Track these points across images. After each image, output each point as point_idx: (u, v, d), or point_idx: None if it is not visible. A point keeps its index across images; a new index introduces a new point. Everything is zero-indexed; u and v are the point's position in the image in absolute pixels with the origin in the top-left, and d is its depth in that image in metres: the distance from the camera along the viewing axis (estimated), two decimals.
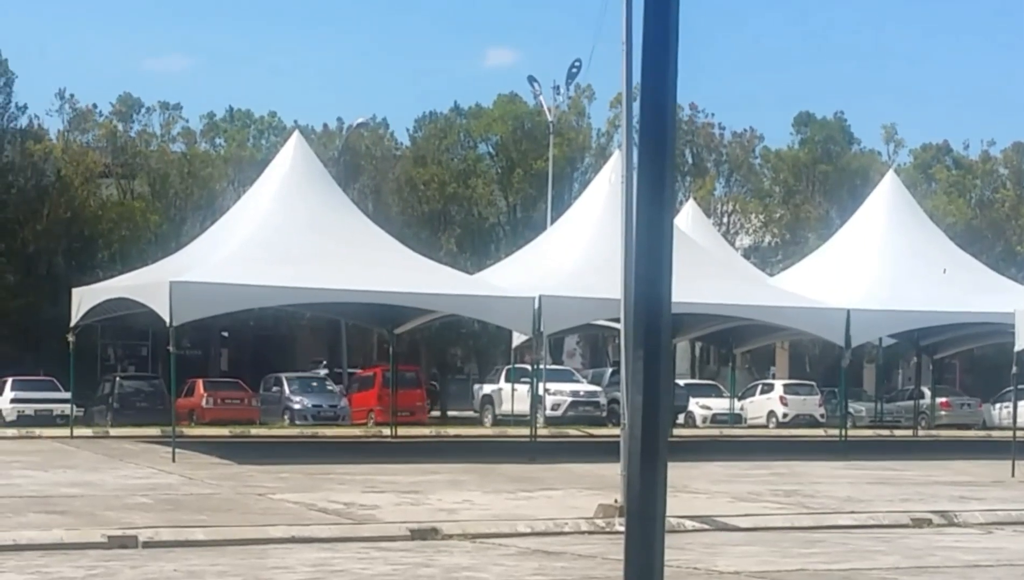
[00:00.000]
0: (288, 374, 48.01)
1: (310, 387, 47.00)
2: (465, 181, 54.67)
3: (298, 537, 16.63)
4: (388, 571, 14.35)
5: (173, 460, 27.76)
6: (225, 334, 54.97)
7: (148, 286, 31.04)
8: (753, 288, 36.19)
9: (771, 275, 43.27)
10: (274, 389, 46.59)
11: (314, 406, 45.31)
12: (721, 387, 51.44)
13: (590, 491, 21.74)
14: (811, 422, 49.03)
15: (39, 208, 49.41)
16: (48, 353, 44.13)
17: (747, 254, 53.44)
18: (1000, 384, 47.11)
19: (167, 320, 28.34)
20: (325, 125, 56.70)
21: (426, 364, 54.46)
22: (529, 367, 36.37)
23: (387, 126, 57.77)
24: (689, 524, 18.21)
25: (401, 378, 41.61)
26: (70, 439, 35.53)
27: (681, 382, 49.32)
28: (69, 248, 50.29)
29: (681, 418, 47.87)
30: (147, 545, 15.73)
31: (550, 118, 52.30)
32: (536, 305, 30.76)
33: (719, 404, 50.01)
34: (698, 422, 49.08)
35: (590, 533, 17.80)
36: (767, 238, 59.85)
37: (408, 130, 57.81)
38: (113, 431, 38.61)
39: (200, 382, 44.73)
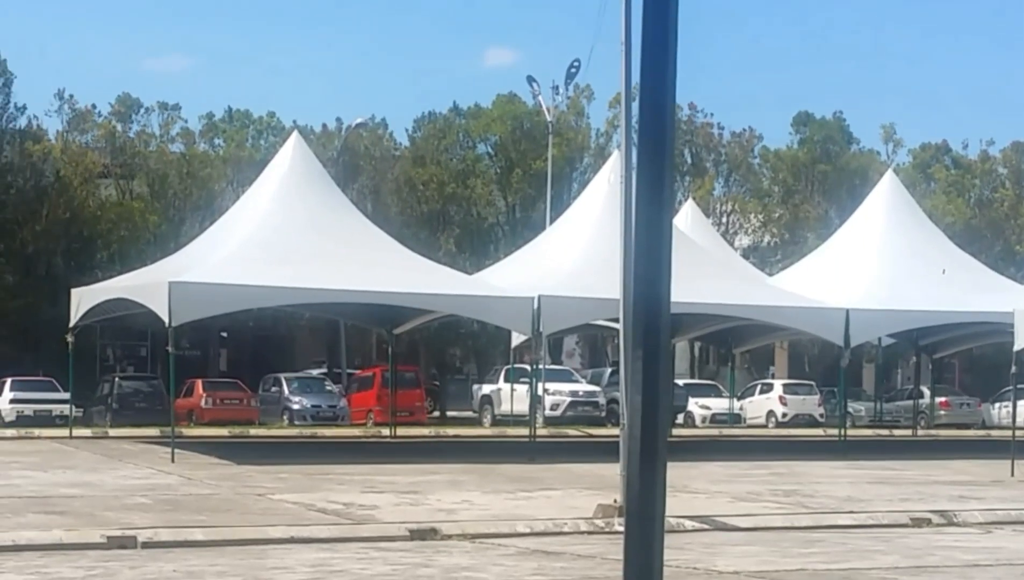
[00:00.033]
0: (287, 374, 48.04)
1: (309, 387, 47.02)
2: (464, 181, 54.68)
3: (297, 537, 16.63)
4: (387, 571, 14.35)
5: (172, 460, 27.76)
6: (224, 334, 54.97)
7: (147, 286, 31.03)
8: (752, 288, 36.20)
9: (770, 275, 43.28)
10: (273, 389, 46.60)
11: (313, 406, 45.31)
12: (720, 387, 51.45)
13: (589, 491, 21.74)
14: (810, 422, 49.04)
15: (38, 208, 49.42)
16: (47, 353, 44.14)
17: (746, 254, 53.44)
18: (999, 383, 47.08)
19: (166, 320, 28.34)
20: (324, 125, 56.83)
21: (425, 364, 54.47)
22: (528, 367, 36.35)
23: (386, 126, 57.86)
24: (688, 524, 18.22)
25: (400, 378, 41.61)
26: (69, 439, 35.53)
27: (680, 382, 49.32)
28: (68, 248, 50.31)
29: (680, 418, 47.86)
30: (146, 545, 15.73)
31: (549, 118, 52.30)
32: (535, 305, 30.76)
33: (718, 404, 50.02)
34: (697, 422, 49.09)
35: (589, 533, 17.80)
36: (766, 238, 59.88)
37: (407, 130, 57.93)
38: (112, 431, 38.62)
39: (199, 382, 44.73)
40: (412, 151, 56.50)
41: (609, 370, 48.72)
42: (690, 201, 47.92)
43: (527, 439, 32.72)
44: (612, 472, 20.06)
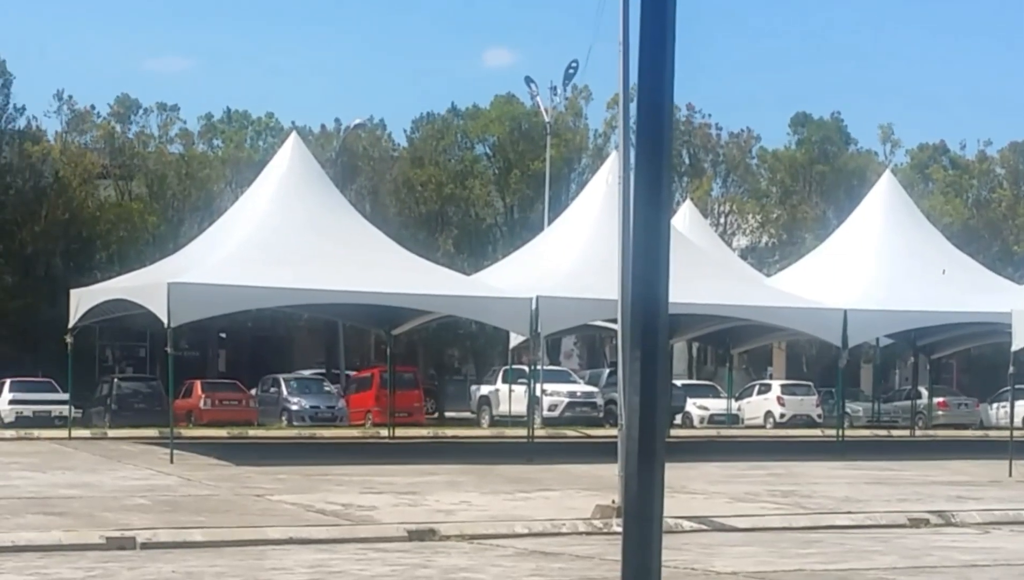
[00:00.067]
0: (286, 375, 48.05)
1: (308, 388, 47.03)
2: (462, 182, 54.69)
3: (296, 538, 16.64)
4: (386, 572, 14.36)
5: (171, 461, 27.76)
6: (223, 335, 54.95)
7: (146, 287, 31.04)
8: (750, 288, 36.22)
9: (768, 275, 43.32)
10: (272, 390, 46.61)
11: (312, 407, 45.33)
12: (718, 387, 51.44)
13: (587, 492, 21.75)
14: (808, 422, 49.06)
15: (37, 209, 49.43)
16: (46, 354, 44.14)
17: (744, 254, 53.47)
18: (997, 384, 47.08)
19: (165, 321, 28.36)
20: (323, 126, 56.81)
21: (423, 365, 54.48)
22: (526, 368, 36.37)
23: (384, 127, 57.84)
24: (686, 524, 18.23)
25: (399, 379, 41.60)
26: (68, 440, 35.54)
27: (678, 382, 49.35)
28: (67, 249, 50.32)
29: (678, 418, 47.84)
30: (145, 546, 15.74)
31: (547, 119, 52.26)
32: (533, 306, 30.77)
33: (716, 404, 50.02)
34: (695, 422, 49.10)
35: (588, 534, 17.81)
36: (764, 238, 59.89)
37: (405, 131, 57.93)
38: (111, 432, 38.62)
39: (198, 383, 44.72)
40: (410, 152, 56.50)
41: (607, 371, 48.71)
42: (688, 202, 47.95)
43: (525, 440, 32.74)
44: (610, 473, 20.05)
